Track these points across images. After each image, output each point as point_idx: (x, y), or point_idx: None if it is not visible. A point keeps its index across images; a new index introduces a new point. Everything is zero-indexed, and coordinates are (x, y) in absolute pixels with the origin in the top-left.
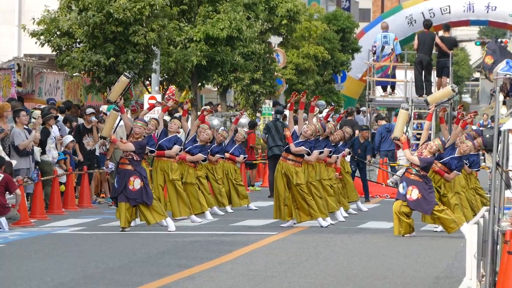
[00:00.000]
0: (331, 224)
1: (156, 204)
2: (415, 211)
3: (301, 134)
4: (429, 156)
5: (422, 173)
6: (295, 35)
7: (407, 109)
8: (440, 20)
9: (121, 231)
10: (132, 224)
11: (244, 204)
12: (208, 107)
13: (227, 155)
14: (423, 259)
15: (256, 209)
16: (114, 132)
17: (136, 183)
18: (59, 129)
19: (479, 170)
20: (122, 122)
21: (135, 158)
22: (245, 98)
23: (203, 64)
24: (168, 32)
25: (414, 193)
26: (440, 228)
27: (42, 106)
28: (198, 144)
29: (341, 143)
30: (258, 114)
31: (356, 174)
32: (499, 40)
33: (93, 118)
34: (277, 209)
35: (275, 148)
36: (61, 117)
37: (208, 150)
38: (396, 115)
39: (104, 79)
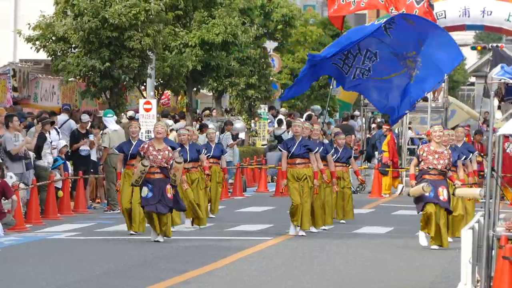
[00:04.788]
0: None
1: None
2: None
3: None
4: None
5: (442, 170)
6: (291, 40)
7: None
8: None
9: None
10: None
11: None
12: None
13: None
14: (418, 263)
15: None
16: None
17: (171, 191)
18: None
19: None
20: (117, 127)
21: (167, 165)
22: (241, 103)
23: (198, 69)
24: (163, 37)
25: (445, 193)
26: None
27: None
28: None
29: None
30: (255, 119)
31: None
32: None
33: (91, 137)
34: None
35: None
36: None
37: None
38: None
39: (99, 84)
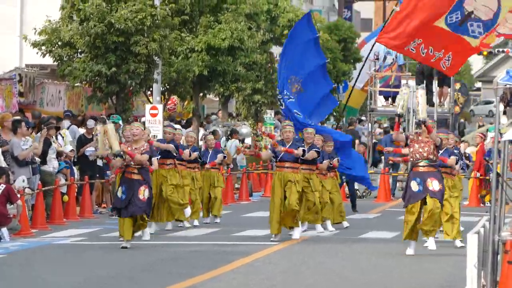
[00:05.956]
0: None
1: None
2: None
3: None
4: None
5: (434, 162)
6: None
7: None
8: None
9: (123, 246)
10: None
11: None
12: None
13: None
14: (423, 268)
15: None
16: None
17: (145, 193)
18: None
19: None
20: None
21: (146, 166)
22: (247, 108)
23: (205, 74)
24: (169, 42)
25: (435, 184)
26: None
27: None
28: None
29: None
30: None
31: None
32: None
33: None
34: (276, 223)
35: None
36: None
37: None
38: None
39: (106, 89)
